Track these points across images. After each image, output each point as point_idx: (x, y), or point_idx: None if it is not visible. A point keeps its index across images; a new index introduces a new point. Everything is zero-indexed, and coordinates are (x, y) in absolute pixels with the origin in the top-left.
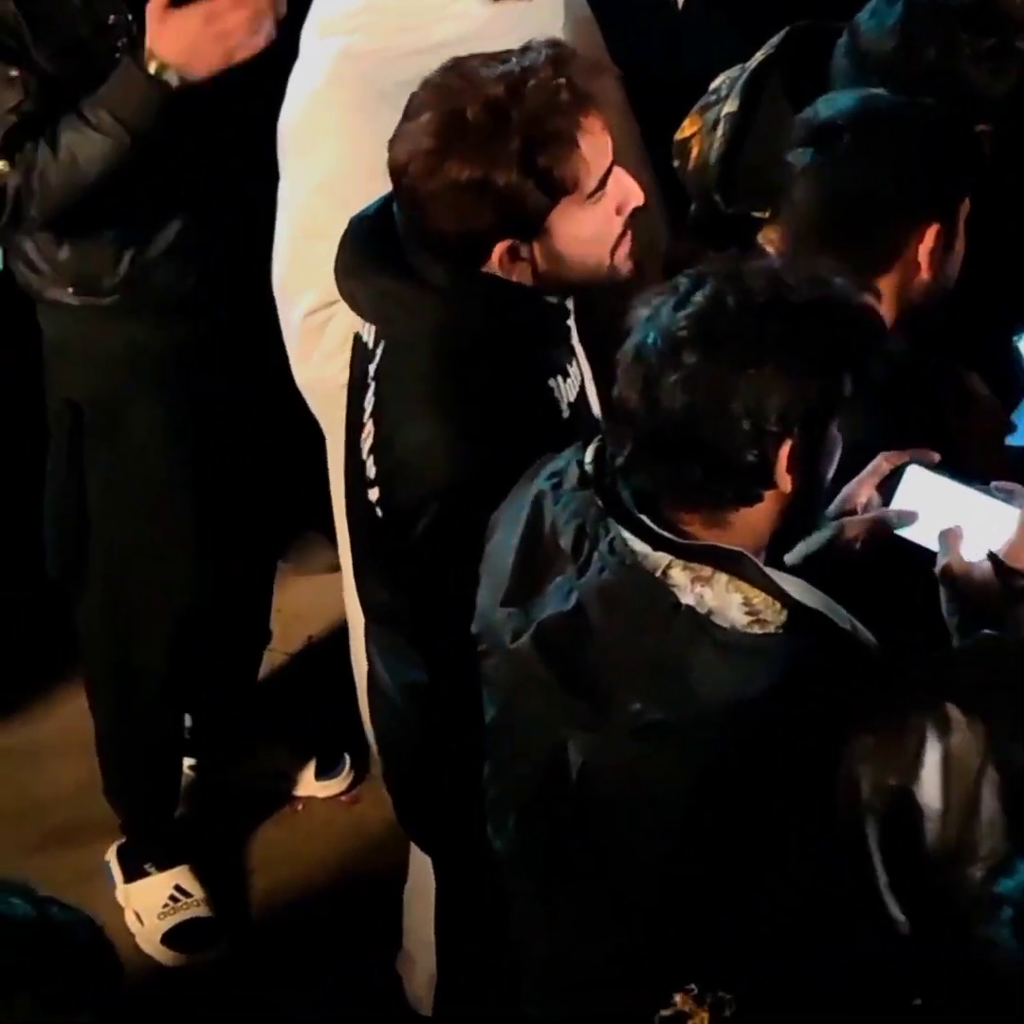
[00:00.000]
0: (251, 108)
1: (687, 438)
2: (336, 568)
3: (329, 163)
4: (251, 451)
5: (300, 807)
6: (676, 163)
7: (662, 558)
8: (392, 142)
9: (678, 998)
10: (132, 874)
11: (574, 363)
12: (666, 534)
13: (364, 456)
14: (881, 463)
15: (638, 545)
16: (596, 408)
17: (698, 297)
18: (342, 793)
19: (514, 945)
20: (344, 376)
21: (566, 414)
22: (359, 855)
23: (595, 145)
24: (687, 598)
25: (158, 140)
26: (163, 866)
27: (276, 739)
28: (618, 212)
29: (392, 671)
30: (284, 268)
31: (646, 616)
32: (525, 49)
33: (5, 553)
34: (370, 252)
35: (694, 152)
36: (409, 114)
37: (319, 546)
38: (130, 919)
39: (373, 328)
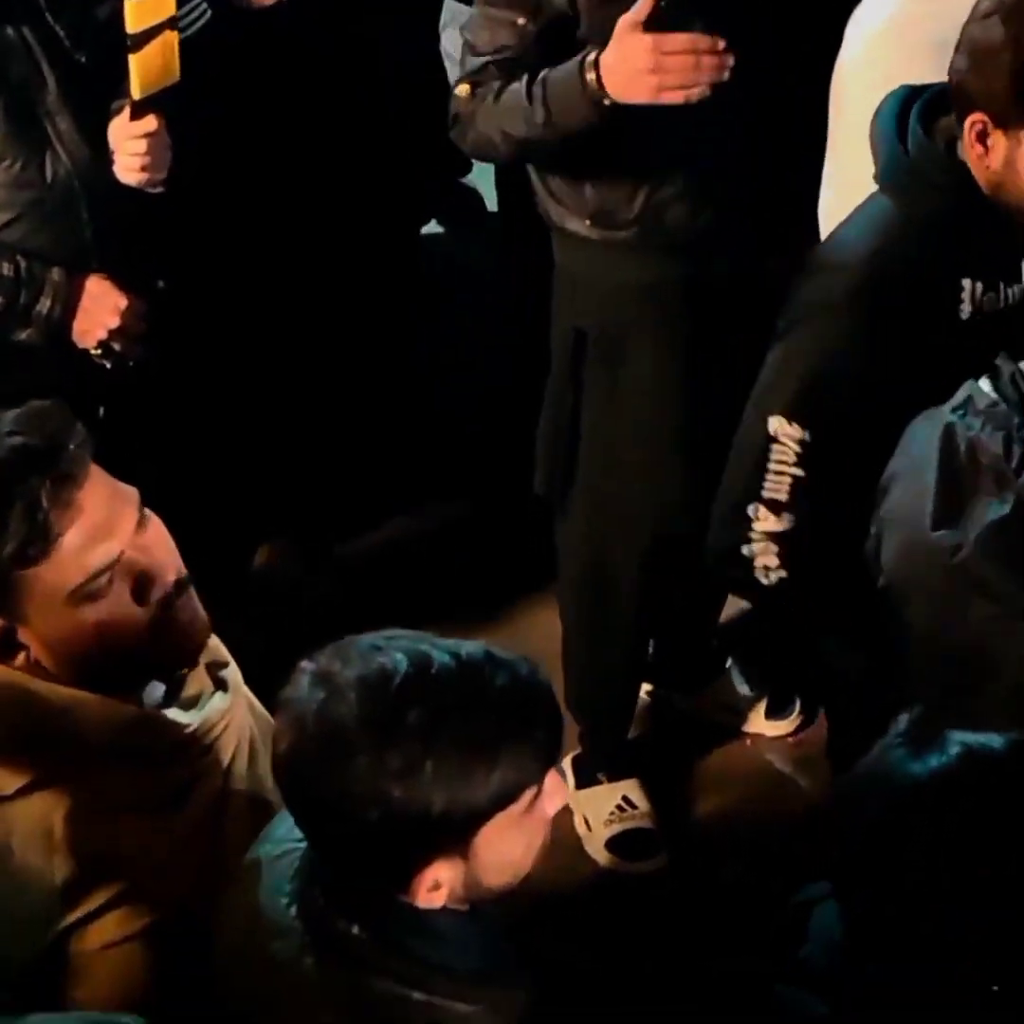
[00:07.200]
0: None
1: None
2: None
3: None
4: (738, 390)
5: (748, 742)
6: None
7: None
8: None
9: None
10: (584, 781)
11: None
12: None
13: None
14: None
15: None
16: None
17: None
18: (789, 734)
19: None
20: None
21: (965, 316)
22: (802, 792)
23: None
24: None
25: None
26: (613, 777)
27: (731, 675)
28: None
29: None
30: (827, 211)
31: None
32: None
33: (493, 474)
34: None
35: None
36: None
37: None
38: (578, 822)
39: None
